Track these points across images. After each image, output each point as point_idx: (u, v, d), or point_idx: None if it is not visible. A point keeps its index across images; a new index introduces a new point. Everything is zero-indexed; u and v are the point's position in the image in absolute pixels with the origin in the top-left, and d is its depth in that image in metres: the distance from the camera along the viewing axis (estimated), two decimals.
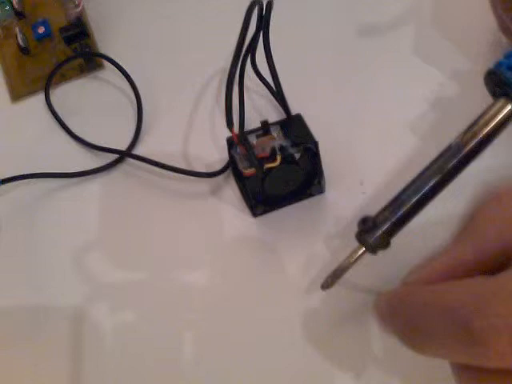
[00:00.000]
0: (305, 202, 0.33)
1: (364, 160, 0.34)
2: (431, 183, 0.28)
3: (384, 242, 0.28)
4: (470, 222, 0.25)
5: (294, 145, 0.30)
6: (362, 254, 0.28)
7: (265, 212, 0.33)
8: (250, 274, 0.32)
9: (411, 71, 0.36)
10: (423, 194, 0.28)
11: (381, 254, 0.28)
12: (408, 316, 0.23)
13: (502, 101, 0.28)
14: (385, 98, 0.36)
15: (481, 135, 0.28)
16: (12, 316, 0.32)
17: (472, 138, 0.28)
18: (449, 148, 0.28)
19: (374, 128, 0.35)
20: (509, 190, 0.24)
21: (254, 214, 0.33)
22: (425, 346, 0.23)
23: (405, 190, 0.28)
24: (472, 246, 0.24)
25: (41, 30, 0.39)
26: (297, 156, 0.30)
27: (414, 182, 0.28)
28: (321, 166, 0.32)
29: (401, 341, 0.24)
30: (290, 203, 0.33)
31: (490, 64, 0.29)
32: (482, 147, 0.28)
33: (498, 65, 0.29)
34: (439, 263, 0.24)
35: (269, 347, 0.30)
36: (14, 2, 0.40)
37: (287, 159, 0.30)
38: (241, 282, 0.32)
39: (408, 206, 0.28)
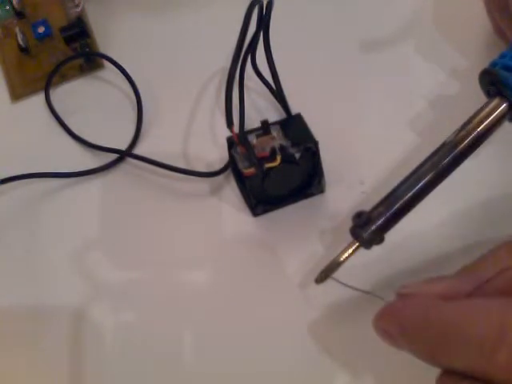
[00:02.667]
0: (305, 202, 0.33)
1: (364, 159, 0.34)
2: (425, 180, 0.28)
3: (378, 237, 0.28)
4: (479, 263, 0.25)
5: (294, 144, 0.30)
6: (356, 248, 0.28)
7: (265, 212, 0.33)
8: (250, 273, 0.32)
9: (411, 70, 0.37)
10: (417, 190, 0.28)
11: (375, 248, 0.28)
12: (430, 334, 0.23)
13: (496, 100, 0.28)
14: (385, 97, 0.36)
15: (474, 133, 0.28)
16: (12, 316, 0.32)
17: (466, 135, 0.28)
18: (443, 145, 0.28)
19: (374, 127, 0.35)
20: None
21: (254, 214, 0.33)
22: (443, 363, 0.23)
23: (399, 186, 0.28)
24: (473, 285, 0.24)
25: (41, 29, 0.39)
26: (297, 156, 0.30)
27: (408, 177, 0.28)
28: (321, 165, 0.32)
29: (415, 355, 0.23)
30: (290, 203, 0.33)
31: (488, 63, 0.29)
32: (476, 145, 0.28)
33: (493, 64, 0.29)
34: (438, 288, 0.24)
35: (268, 346, 0.30)
36: (14, 2, 0.40)
37: (287, 159, 0.30)
38: (241, 281, 0.32)
39: (402, 201, 0.28)
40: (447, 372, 0.23)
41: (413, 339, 0.23)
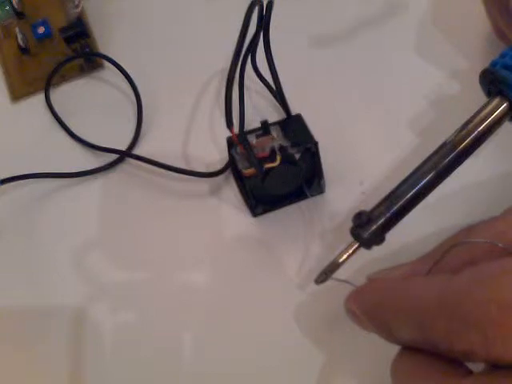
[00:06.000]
0: (305, 202, 0.33)
1: (364, 160, 0.34)
2: (426, 179, 0.28)
3: (378, 237, 0.28)
4: (439, 247, 0.27)
5: (294, 145, 0.30)
6: (357, 248, 0.28)
7: (264, 212, 0.33)
8: (250, 273, 0.32)
9: (411, 71, 0.37)
10: (418, 190, 0.28)
11: (375, 249, 0.28)
12: (384, 311, 0.25)
13: (496, 99, 0.28)
14: (385, 97, 0.36)
15: (475, 133, 0.28)
16: (12, 316, 0.32)
17: (466, 135, 0.28)
18: (444, 145, 0.28)
19: (373, 128, 0.35)
20: (479, 225, 0.26)
21: (254, 214, 0.33)
22: (398, 337, 0.24)
23: (400, 186, 0.28)
24: (430, 266, 0.26)
25: (41, 29, 0.39)
26: (297, 156, 0.30)
27: (409, 177, 0.28)
28: (320, 166, 0.32)
29: (378, 333, 0.25)
30: (289, 203, 0.33)
31: (488, 63, 0.29)
32: (477, 145, 0.28)
33: (493, 64, 0.29)
34: (400, 271, 0.27)
35: (269, 346, 0.30)
36: (14, 2, 0.40)
37: (287, 159, 0.30)
38: (240, 281, 0.32)
39: (403, 201, 0.28)
40: (404, 348, 0.24)
41: (372, 317, 0.25)
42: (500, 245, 0.24)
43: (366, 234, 0.28)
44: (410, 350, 0.24)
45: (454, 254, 0.25)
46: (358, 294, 0.26)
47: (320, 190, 0.33)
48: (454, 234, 0.27)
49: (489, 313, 0.21)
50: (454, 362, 0.23)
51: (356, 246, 0.28)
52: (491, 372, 0.22)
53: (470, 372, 0.23)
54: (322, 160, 0.32)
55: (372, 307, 0.25)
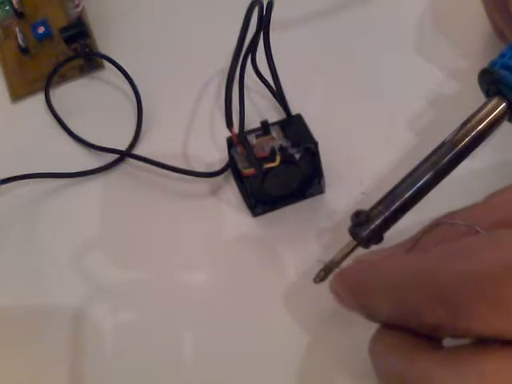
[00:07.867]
0: (305, 202, 0.33)
1: (364, 160, 0.34)
2: (424, 179, 0.28)
3: (377, 237, 0.28)
4: (419, 232, 0.27)
5: (294, 145, 0.30)
6: (355, 247, 0.28)
7: (264, 212, 0.33)
8: (250, 273, 0.32)
9: (411, 70, 0.37)
10: (416, 190, 0.28)
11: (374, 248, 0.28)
12: (362, 290, 0.25)
13: (495, 99, 0.28)
14: (385, 97, 0.36)
15: (473, 132, 0.28)
16: (12, 316, 0.32)
17: (465, 135, 0.28)
18: (442, 144, 0.28)
19: (373, 128, 0.35)
20: (461, 210, 0.26)
21: (254, 214, 0.33)
22: (377, 316, 0.25)
23: (399, 185, 0.28)
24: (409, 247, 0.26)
25: (41, 30, 0.39)
26: (296, 156, 0.30)
27: (407, 177, 0.28)
28: (320, 166, 0.32)
29: (359, 312, 0.26)
30: (289, 203, 0.33)
31: (488, 63, 0.29)
32: (475, 145, 0.28)
33: (493, 64, 0.29)
34: (382, 253, 0.27)
35: (268, 344, 0.30)
36: (14, 2, 0.40)
37: (287, 159, 0.30)
38: (240, 281, 0.32)
39: (401, 200, 0.28)
40: (382, 326, 0.25)
41: (352, 295, 0.26)
42: (477, 228, 0.24)
43: (364, 233, 0.28)
44: (386, 327, 0.24)
45: (432, 235, 0.26)
46: (341, 275, 0.27)
47: (320, 189, 0.33)
48: (437, 218, 0.27)
49: (455, 285, 0.21)
50: (429, 338, 0.23)
51: (354, 244, 0.28)
52: (460, 347, 0.22)
53: (442, 347, 0.23)
54: (322, 160, 0.32)
55: (352, 285, 0.26)
